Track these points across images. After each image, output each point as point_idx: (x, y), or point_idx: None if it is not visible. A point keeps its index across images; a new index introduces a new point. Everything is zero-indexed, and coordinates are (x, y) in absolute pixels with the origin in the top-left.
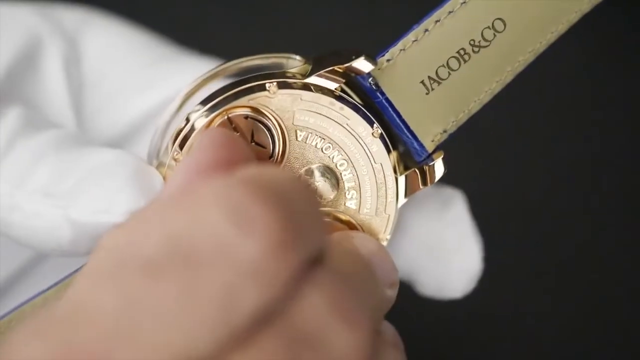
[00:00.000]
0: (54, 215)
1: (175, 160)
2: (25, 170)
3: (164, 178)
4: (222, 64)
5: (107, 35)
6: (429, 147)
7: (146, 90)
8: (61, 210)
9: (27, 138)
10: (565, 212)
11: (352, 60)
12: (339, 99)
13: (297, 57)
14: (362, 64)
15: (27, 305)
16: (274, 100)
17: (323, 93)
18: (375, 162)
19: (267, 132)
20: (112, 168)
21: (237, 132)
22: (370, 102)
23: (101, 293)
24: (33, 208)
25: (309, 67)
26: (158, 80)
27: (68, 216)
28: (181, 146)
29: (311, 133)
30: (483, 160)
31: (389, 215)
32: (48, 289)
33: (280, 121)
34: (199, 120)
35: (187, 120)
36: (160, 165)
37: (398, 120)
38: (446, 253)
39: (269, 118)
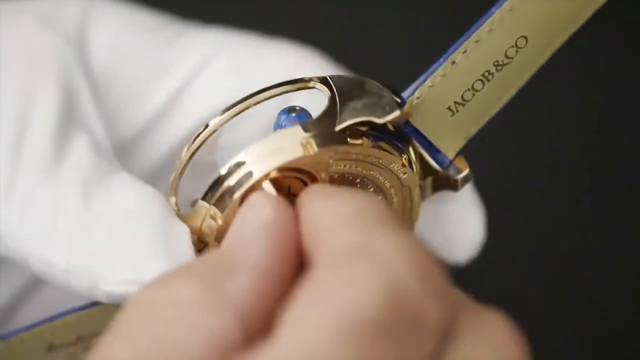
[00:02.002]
0: (84, 279)
1: (213, 218)
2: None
3: (199, 230)
4: (250, 96)
5: (113, 23)
6: (451, 155)
7: (165, 76)
8: (90, 277)
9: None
10: (564, 212)
11: (387, 114)
12: (369, 136)
13: (318, 85)
14: (396, 116)
15: (26, 334)
16: (311, 158)
17: (354, 137)
18: (403, 185)
19: (303, 184)
20: (136, 224)
21: (275, 189)
22: (398, 131)
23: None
24: (64, 267)
25: (337, 108)
26: (176, 61)
27: (98, 286)
28: (221, 208)
29: (345, 175)
30: (482, 160)
31: (413, 223)
32: (48, 320)
33: (316, 173)
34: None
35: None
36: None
37: (424, 142)
38: (449, 221)
39: (306, 172)
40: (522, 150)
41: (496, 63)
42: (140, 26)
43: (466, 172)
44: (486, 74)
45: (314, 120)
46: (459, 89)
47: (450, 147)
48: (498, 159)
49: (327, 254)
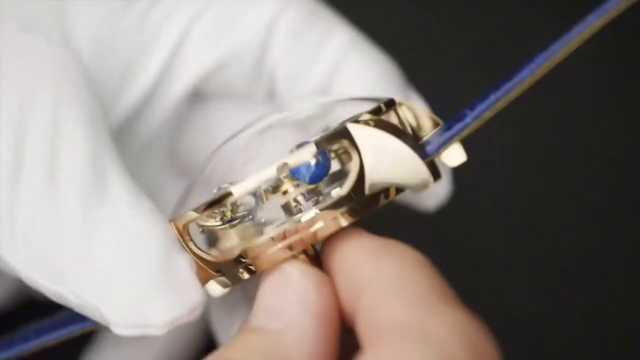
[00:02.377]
0: (98, 317)
1: (241, 274)
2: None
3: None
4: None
5: (89, 4)
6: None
7: (152, 48)
8: (101, 317)
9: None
10: (564, 212)
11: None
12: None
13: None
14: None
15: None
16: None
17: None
18: None
19: None
20: (136, 259)
21: None
22: None
23: None
24: (76, 302)
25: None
26: (160, 29)
27: (108, 323)
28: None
29: None
30: (482, 158)
31: None
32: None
33: None
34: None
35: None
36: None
37: None
38: None
39: None
40: (521, 148)
41: None
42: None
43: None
44: None
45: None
46: None
47: None
48: (497, 157)
49: (377, 335)
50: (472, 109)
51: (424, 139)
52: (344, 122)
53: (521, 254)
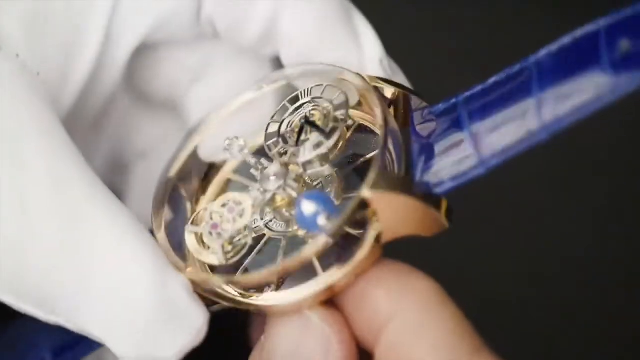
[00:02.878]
0: (98, 339)
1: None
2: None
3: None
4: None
5: None
6: None
7: (88, 18)
8: (102, 341)
9: None
10: (563, 211)
11: None
12: None
13: None
14: None
15: None
16: None
17: None
18: None
19: None
20: (132, 289)
21: None
22: None
23: None
24: (75, 329)
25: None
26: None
27: (115, 352)
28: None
29: None
30: None
31: None
32: None
33: None
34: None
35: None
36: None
37: None
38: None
39: None
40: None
41: None
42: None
43: None
44: None
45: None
46: None
47: None
48: None
49: None
50: (484, 166)
51: (435, 179)
52: (361, 190)
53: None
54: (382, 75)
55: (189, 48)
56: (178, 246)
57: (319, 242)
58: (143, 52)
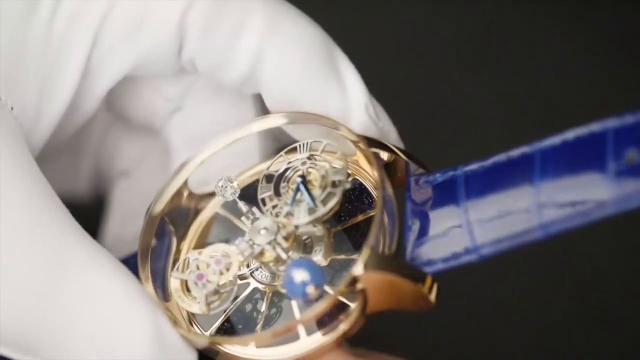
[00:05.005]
0: None
1: None
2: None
3: None
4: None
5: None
6: None
7: (65, 58)
8: None
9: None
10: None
11: None
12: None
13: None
14: None
15: None
16: None
17: None
18: None
19: None
20: (124, 325)
21: None
22: None
23: None
24: None
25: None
26: (70, 34)
27: None
28: None
29: None
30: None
31: None
32: None
33: None
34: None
35: None
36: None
37: None
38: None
39: None
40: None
41: None
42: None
43: None
44: None
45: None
46: None
47: None
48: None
49: None
50: (477, 253)
51: (424, 258)
52: (352, 269)
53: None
54: (367, 121)
55: (170, 80)
56: (160, 280)
57: (307, 315)
58: (123, 80)
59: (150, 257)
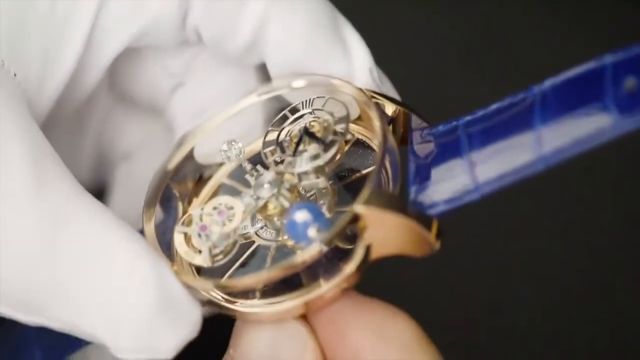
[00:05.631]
0: (88, 336)
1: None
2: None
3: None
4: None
5: None
6: None
7: (68, 31)
8: (95, 338)
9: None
10: (564, 211)
11: None
12: None
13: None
14: None
15: None
16: None
17: None
18: None
19: None
20: (129, 282)
21: None
22: None
23: None
24: (58, 327)
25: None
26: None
27: (110, 348)
28: None
29: None
30: None
31: None
32: None
33: None
34: None
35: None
36: None
37: None
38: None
39: None
40: None
41: None
42: None
43: None
44: None
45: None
46: None
47: None
48: None
49: None
50: (478, 191)
51: (428, 201)
52: (353, 205)
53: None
54: (371, 84)
55: (173, 53)
56: (167, 246)
57: (311, 251)
58: (126, 54)
59: (156, 224)
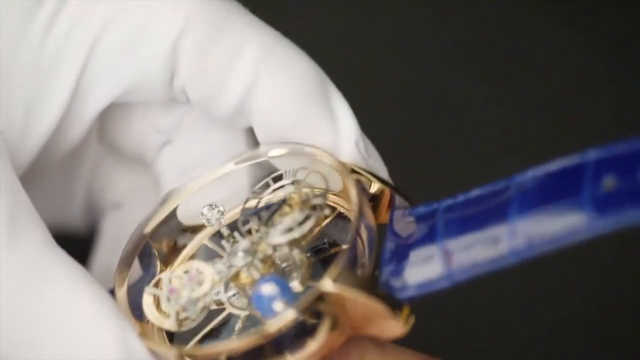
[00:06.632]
0: None
1: None
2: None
3: None
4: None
5: None
6: None
7: (54, 76)
8: None
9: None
10: None
11: None
12: None
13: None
14: None
15: None
16: None
17: None
18: None
19: None
20: (91, 338)
21: None
22: None
23: None
24: None
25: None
26: (62, 51)
27: None
28: None
29: None
30: (483, 162)
31: None
32: None
33: None
34: None
35: None
36: None
37: None
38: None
39: None
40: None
41: None
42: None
43: None
44: None
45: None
46: None
47: None
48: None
49: None
50: (450, 279)
51: (398, 283)
52: (321, 281)
53: None
54: (357, 157)
55: (162, 109)
56: (140, 306)
57: (285, 318)
58: (114, 107)
59: (133, 284)
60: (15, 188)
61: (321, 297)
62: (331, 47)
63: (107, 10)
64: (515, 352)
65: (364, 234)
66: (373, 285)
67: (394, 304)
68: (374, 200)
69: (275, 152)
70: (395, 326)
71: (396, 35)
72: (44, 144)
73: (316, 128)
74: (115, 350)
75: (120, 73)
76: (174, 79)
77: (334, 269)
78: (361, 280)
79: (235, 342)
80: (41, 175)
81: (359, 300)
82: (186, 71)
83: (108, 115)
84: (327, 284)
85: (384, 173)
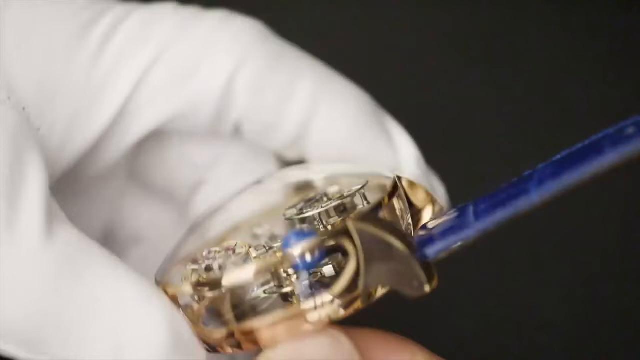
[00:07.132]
0: None
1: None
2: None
3: None
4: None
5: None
6: None
7: (104, 92)
8: None
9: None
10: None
11: (415, 292)
12: None
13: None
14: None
15: None
16: None
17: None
18: None
19: None
20: (140, 323)
21: None
22: None
23: None
24: None
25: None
26: (115, 71)
27: None
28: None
29: None
30: (483, 163)
31: None
32: None
33: None
34: None
35: None
36: None
37: None
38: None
39: None
40: (522, 154)
41: None
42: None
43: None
44: None
45: (338, 283)
46: None
47: None
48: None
49: None
50: (477, 218)
51: (423, 237)
52: (346, 218)
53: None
54: (419, 175)
55: (200, 143)
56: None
57: (306, 242)
58: (151, 137)
59: None
60: (47, 188)
61: (345, 230)
62: (332, 47)
63: (165, 35)
64: None
65: (406, 216)
66: (399, 233)
67: (415, 250)
68: (418, 214)
69: (321, 176)
70: (418, 283)
71: (396, 35)
72: (79, 159)
73: (376, 150)
74: (165, 330)
75: (170, 100)
76: (228, 112)
77: (364, 209)
78: (388, 225)
79: (251, 266)
80: (68, 192)
81: (382, 240)
82: (243, 104)
83: (143, 145)
84: (354, 221)
85: (441, 192)
